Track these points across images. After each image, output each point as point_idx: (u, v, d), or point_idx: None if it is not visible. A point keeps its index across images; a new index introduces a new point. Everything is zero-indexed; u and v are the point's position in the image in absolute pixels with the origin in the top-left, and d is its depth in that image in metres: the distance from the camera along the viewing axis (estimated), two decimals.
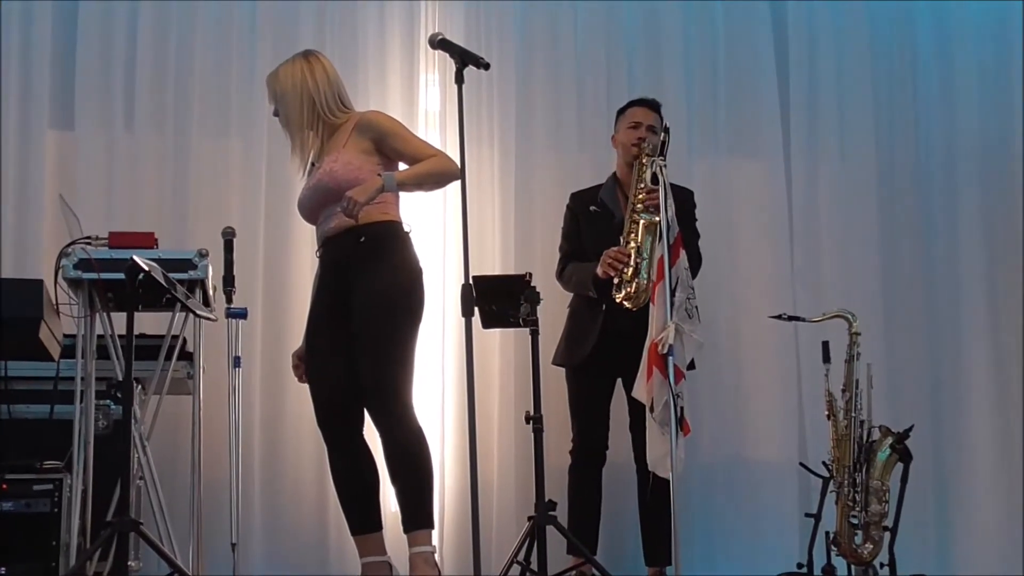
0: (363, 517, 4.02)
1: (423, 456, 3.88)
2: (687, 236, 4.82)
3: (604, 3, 5.66)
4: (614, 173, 5.01)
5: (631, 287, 4.64)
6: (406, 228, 4.04)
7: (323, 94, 4.05)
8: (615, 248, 4.68)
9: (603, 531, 4.88)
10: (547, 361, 4.78)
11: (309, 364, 4.10)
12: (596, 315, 4.79)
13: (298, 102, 4.05)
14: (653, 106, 4.99)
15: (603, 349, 4.77)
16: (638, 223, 4.67)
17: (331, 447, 4.07)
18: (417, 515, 3.85)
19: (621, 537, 5.10)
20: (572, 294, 4.97)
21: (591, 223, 4.95)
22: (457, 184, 3.80)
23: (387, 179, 3.86)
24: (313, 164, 4.10)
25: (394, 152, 4.01)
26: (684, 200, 4.92)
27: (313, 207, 4.08)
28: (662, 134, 4.63)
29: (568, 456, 4.88)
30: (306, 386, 4.99)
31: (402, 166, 4.03)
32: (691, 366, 4.55)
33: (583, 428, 4.85)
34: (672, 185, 4.94)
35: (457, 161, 3.79)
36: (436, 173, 3.95)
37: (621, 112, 5.04)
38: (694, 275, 4.89)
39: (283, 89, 4.07)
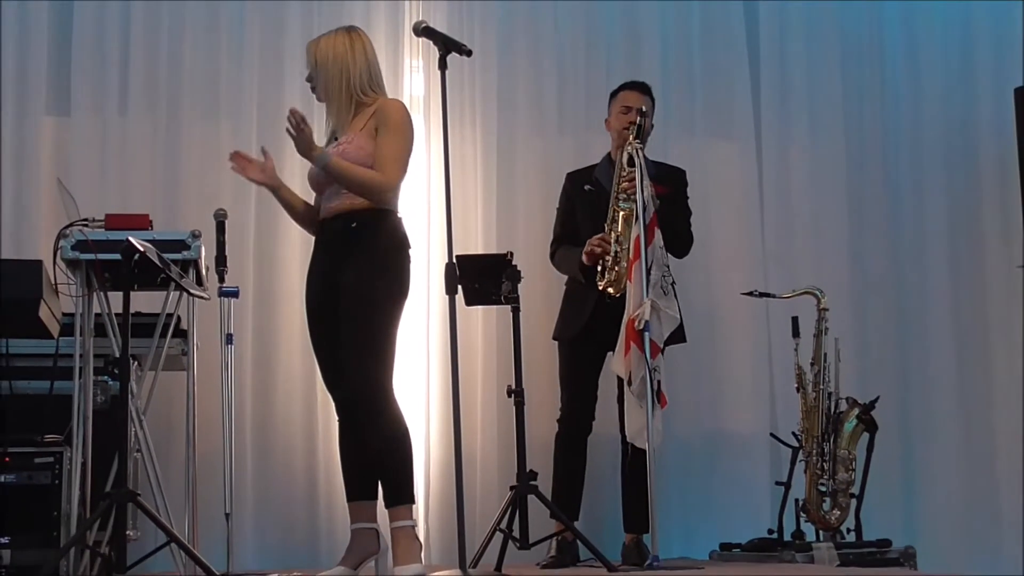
0: (359, 484, 4.03)
1: (405, 444, 3.88)
2: (679, 215, 4.87)
3: None
4: (608, 153, 5.00)
5: (612, 275, 4.65)
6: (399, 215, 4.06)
7: (359, 70, 4.03)
8: (597, 236, 4.70)
9: (587, 498, 4.92)
10: (530, 337, 4.82)
11: (313, 343, 4.11)
12: (590, 290, 4.78)
13: (336, 74, 4.03)
14: (644, 89, 4.97)
15: (596, 323, 4.79)
16: (619, 212, 4.68)
17: (338, 414, 4.09)
18: (398, 492, 3.86)
19: (603, 504, 5.16)
20: None
21: (585, 202, 4.94)
22: (442, 166, 3.84)
23: (323, 157, 3.88)
24: (335, 137, 4.09)
25: (377, 139, 4.00)
26: (676, 180, 4.96)
27: (320, 182, 4.06)
28: (637, 117, 4.66)
29: (550, 428, 4.92)
30: (295, 361, 5.10)
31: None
32: (681, 339, 4.73)
33: (571, 399, 4.86)
34: (663, 165, 5.01)
35: (396, 182, 3.90)
36: (366, 185, 3.92)
37: (613, 96, 5.02)
38: (686, 253, 4.97)
39: (323, 59, 4.05)
